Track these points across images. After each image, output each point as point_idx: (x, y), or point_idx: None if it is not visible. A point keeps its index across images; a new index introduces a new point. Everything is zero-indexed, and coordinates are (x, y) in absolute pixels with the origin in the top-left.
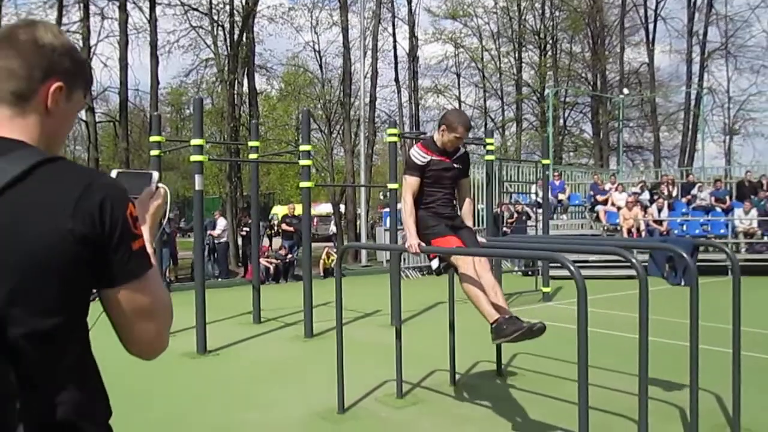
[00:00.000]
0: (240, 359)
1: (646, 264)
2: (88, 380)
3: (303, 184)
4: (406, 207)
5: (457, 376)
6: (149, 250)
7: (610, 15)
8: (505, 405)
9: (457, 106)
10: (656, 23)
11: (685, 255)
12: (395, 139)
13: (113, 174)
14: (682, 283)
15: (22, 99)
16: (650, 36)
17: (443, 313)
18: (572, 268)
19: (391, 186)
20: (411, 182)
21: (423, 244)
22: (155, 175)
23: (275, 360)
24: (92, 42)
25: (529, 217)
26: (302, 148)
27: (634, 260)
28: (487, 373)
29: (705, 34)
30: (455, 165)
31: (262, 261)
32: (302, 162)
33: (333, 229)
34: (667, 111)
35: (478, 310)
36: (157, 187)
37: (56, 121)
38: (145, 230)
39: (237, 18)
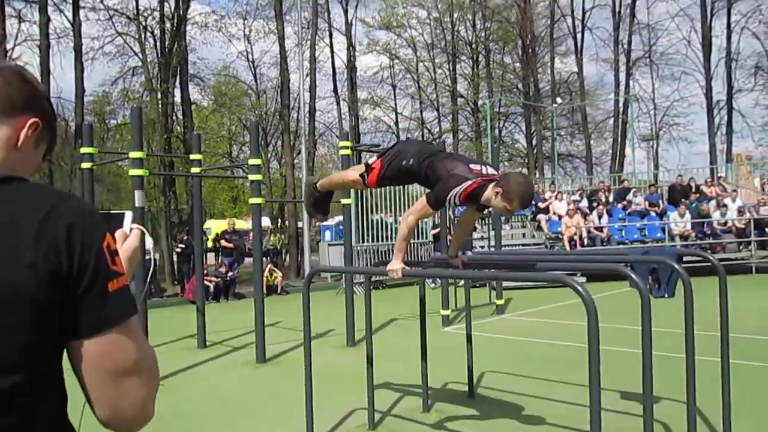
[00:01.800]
0: (187, 390)
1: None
2: None
3: (253, 201)
4: (407, 229)
5: (429, 401)
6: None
7: (539, 26)
8: (485, 430)
9: (393, 118)
10: (584, 33)
11: (676, 265)
12: (348, 152)
13: None
14: (666, 296)
15: None
16: (578, 45)
17: (398, 330)
18: (583, 292)
19: (344, 201)
20: (428, 212)
21: (407, 268)
22: (128, 215)
23: (227, 390)
24: (8, 46)
25: (474, 229)
26: (252, 161)
27: (636, 278)
28: (458, 395)
29: (629, 42)
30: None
31: None
32: (252, 177)
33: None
34: (595, 119)
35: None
36: (132, 229)
37: (22, 159)
38: None
39: (167, 24)
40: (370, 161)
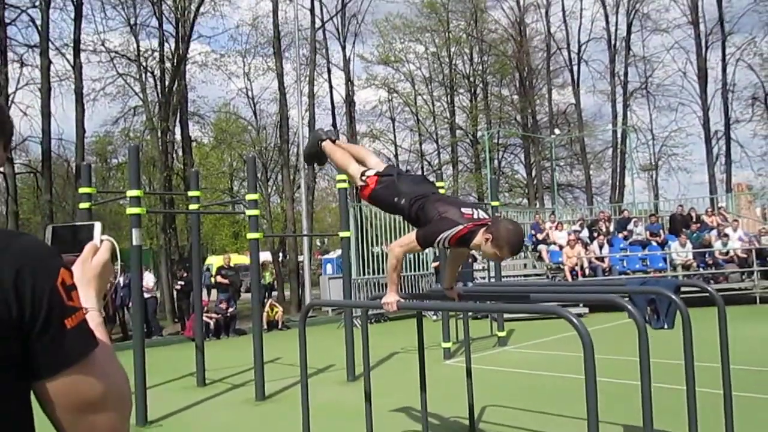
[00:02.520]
0: (187, 430)
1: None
2: None
3: (251, 236)
4: (393, 260)
5: None
6: (96, 319)
7: (535, 59)
8: None
9: (393, 150)
10: (580, 66)
11: (674, 296)
12: (345, 185)
13: (48, 231)
14: (665, 327)
15: None
16: (575, 78)
17: (399, 364)
18: (578, 324)
19: (343, 234)
20: (415, 248)
21: (402, 301)
22: (97, 226)
23: (225, 429)
24: (10, 90)
25: (475, 260)
26: (249, 197)
27: (633, 310)
28: (459, 431)
29: (626, 74)
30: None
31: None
32: (249, 212)
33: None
34: (594, 149)
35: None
36: (102, 241)
37: None
38: (91, 296)
39: (167, 65)
40: (368, 174)
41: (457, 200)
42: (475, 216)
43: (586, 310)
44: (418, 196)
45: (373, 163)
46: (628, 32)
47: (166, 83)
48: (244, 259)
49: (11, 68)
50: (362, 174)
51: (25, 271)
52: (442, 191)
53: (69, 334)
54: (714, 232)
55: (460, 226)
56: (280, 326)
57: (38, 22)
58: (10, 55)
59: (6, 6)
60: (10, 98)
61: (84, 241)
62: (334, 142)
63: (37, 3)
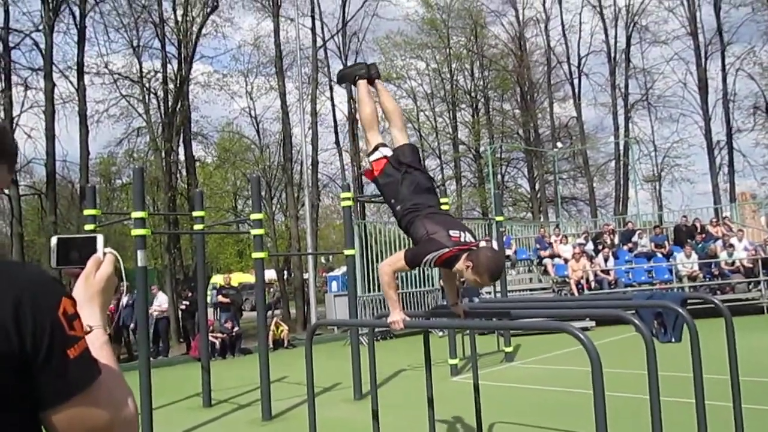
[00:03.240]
0: None
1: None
2: None
3: (256, 255)
4: (385, 278)
5: None
6: (101, 338)
7: (536, 73)
8: None
9: None
10: (580, 79)
11: (680, 310)
12: (349, 203)
13: (53, 241)
14: (672, 341)
15: None
16: (576, 91)
17: (406, 381)
18: (585, 340)
19: (348, 252)
20: (403, 267)
21: (408, 319)
22: (100, 239)
23: None
24: (15, 113)
25: None
26: (254, 216)
27: (640, 324)
28: None
29: (626, 86)
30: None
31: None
32: (254, 231)
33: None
34: (596, 162)
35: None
36: (105, 254)
37: None
38: (96, 312)
39: (170, 85)
40: (376, 157)
41: (447, 220)
42: (462, 239)
43: (593, 323)
44: (413, 207)
45: (395, 134)
46: (628, 45)
47: (170, 104)
48: (248, 278)
49: (15, 91)
50: (374, 149)
51: (26, 303)
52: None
53: (72, 364)
54: (719, 243)
55: (446, 249)
56: (286, 345)
57: (42, 46)
58: (14, 78)
59: (10, 30)
60: (15, 121)
61: (87, 253)
62: (372, 82)
63: (41, 27)
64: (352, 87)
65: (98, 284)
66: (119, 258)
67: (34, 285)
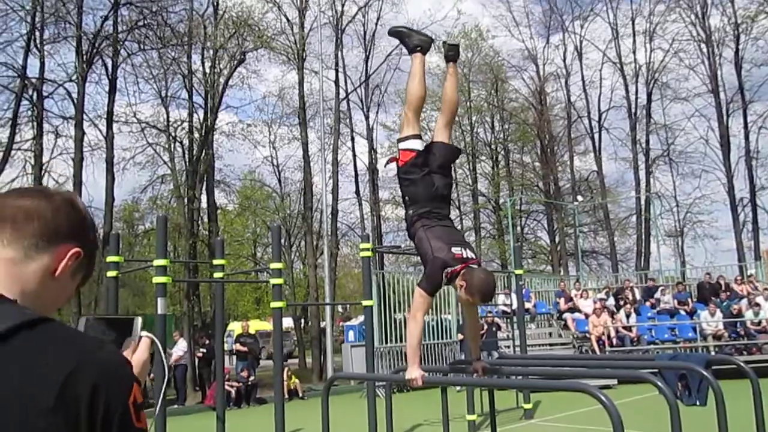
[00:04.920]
0: None
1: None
2: None
3: (274, 304)
4: (417, 330)
5: None
6: None
7: (556, 126)
8: None
9: None
10: (601, 133)
11: (705, 372)
12: (369, 253)
13: (81, 323)
14: (698, 403)
15: (36, 247)
16: (596, 145)
17: None
18: (607, 402)
19: (366, 303)
20: (429, 303)
21: (426, 375)
22: (138, 321)
23: None
24: (44, 159)
25: (499, 328)
26: (273, 266)
27: (663, 387)
28: None
29: (647, 141)
30: None
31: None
32: (273, 281)
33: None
34: (617, 216)
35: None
36: (141, 337)
37: (57, 288)
38: None
39: (195, 134)
40: (405, 147)
41: (451, 234)
42: (464, 256)
43: (615, 381)
44: (422, 214)
45: (439, 125)
46: (648, 101)
47: (194, 152)
48: (266, 326)
49: (46, 139)
50: (404, 138)
51: (102, 391)
52: None
53: None
54: (744, 301)
55: (450, 268)
56: (301, 395)
57: (74, 96)
58: (45, 126)
59: (45, 80)
60: (44, 167)
61: (121, 335)
62: (424, 53)
63: (74, 78)
64: (402, 42)
65: (136, 366)
66: (157, 342)
67: (112, 370)
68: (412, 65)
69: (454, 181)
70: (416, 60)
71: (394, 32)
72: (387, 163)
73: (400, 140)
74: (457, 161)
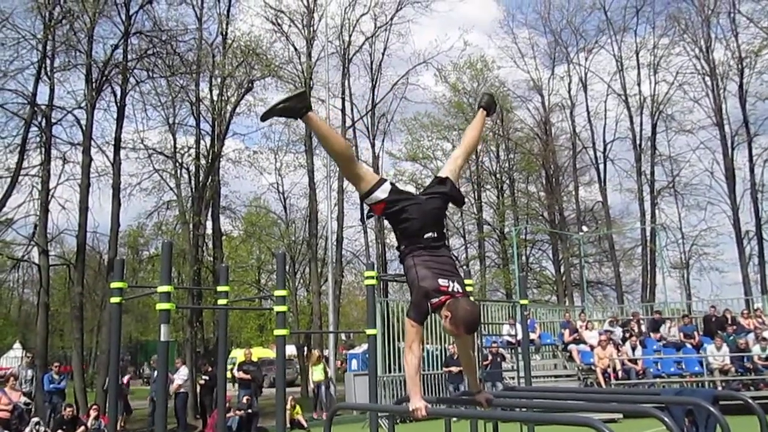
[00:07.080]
0: None
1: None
2: None
3: (278, 332)
4: (414, 360)
5: None
6: None
7: (561, 156)
8: None
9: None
10: (606, 164)
11: (712, 408)
12: (373, 282)
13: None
14: None
15: None
16: (601, 176)
17: None
18: None
19: (369, 332)
20: (420, 331)
21: (430, 406)
22: None
23: None
24: (51, 185)
25: (503, 359)
26: (278, 293)
27: (670, 423)
28: None
29: (652, 173)
30: None
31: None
32: (277, 308)
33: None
34: (623, 247)
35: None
36: None
37: None
38: None
39: (202, 161)
40: (372, 201)
41: (439, 265)
42: (450, 289)
43: (620, 415)
44: (414, 247)
45: (454, 158)
46: (653, 132)
47: (200, 179)
48: (268, 353)
49: (54, 164)
50: (365, 195)
51: None
52: (469, 288)
53: None
54: (751, 336)
55: (435, 299)
56: (305, 425)
57: (83, 122)
58: (53, 152)
59: (54, 107)
60: (51, 193)
61: None
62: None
63: (83, 105)
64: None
65: None
66: None
67: None
68: (313, 127)
69: (459, 209)
70: (311, 121)
71: (269, 111)
72: (368, 216)
73: (362, 199)
74: (463, 189)
